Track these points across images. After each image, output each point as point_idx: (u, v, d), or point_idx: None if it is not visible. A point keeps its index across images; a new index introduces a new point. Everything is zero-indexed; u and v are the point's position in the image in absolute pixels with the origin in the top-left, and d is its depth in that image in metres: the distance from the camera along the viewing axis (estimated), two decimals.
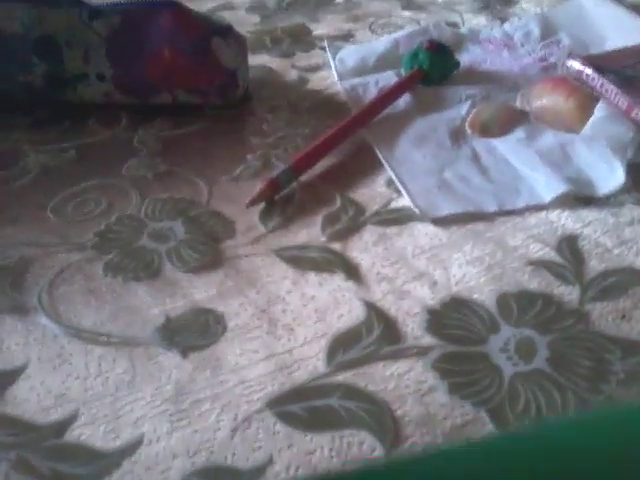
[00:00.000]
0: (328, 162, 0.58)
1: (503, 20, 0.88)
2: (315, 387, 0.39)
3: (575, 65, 0.63)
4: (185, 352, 0.41)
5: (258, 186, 0.53)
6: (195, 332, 0.42)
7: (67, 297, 0.45)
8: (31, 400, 0.39)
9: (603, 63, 0.62)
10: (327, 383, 0.39)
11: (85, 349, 0.42)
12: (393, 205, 0.53)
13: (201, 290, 0.46)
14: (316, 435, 0.36)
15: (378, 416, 0.37)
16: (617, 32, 0.75)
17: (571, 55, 0.67)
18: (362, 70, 0.73)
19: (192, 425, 0.37)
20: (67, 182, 0.57)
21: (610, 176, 0.54)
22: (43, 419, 0.37)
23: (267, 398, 0.38)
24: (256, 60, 0.76)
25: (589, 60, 0.62)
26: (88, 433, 0.36)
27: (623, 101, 0.57)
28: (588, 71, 0.61)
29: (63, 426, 0.37)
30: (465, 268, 0.47)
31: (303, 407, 0.37)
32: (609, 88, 0.59)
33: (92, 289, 0.46)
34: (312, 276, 0.46)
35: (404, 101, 0.67)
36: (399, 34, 0.80)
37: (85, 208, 0.54)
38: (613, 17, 0.78)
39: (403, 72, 0.71)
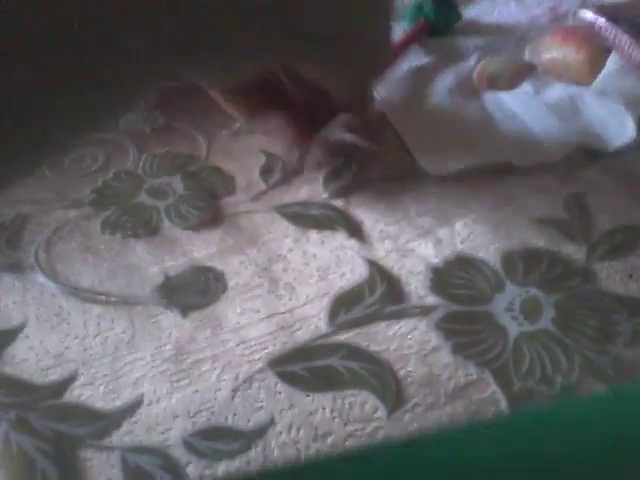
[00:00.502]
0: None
1: None
2: (317, 347, 0.38)
3: (587, 15, 0.60)
4: (185, 311, 0.40)
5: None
6: (195, 291, 0.42)
7: (64, 255, 0.45)
8: (30, 360, 0.38)
9: (617, 12, 0.59)
10: (329, 343, 0.38)
11: (83, 308, 0.41)
12: (398, 161, 0.52)
13: (201, 248, 0.45)
14: (318, 395, 0.36)
15: (380, 376, 0.36)
16: None
17: (583, 4, 0.64)
18: None
19: (192, 385, 0.36)
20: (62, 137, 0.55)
21: (621, 130, 0.52)
22: (42, 379, 0.37)
23: (268, 358, 0.37)
24: None
25: (602, 9, 0.60)
26: (88, 393, 0.36)
27: (637, 53, 0.55)
28: (601, 21, 0.59)
29: (62, 386, 0.37)
30: (470, 226, 0.46)
31: (304, 367, 0.37)
32: (623, 39, 0.56)
33: (90, 247, 0.45)
34: (314, 234, 0.45)
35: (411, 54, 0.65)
36: None
37: (82, 163, 0.53)
38: None
39: (406, 25, 0.68)
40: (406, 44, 0.65)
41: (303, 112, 0.27)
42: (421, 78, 0.61)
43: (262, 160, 0.52)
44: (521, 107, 0.56)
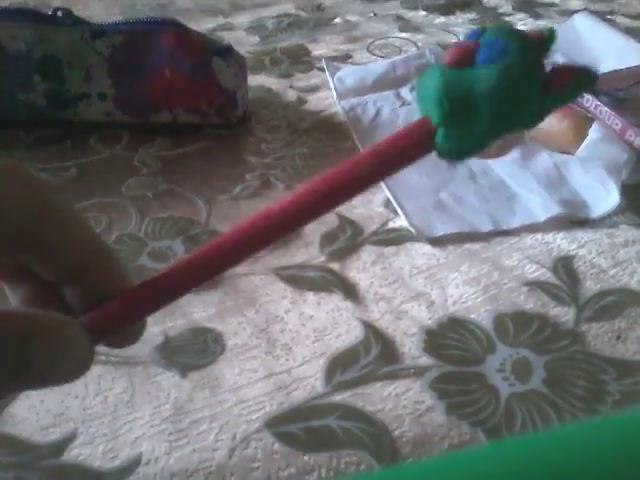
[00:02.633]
0: None
1: None
2: (313, 407, 0.39)
3: None
4: (184, 371, 0.41)
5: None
6: (194, 351, 0.43)
7: None
8: (30, 419, 0.39)
9: (597, 85, 0.62)
10: (325, 403, 0.39)
11: None
12: (390, 225, 0.54)
13: (200, 309, 0.46)
14: (314, 455, 0.36)
15: (376, 436, 0.37)
16: (611, 54, 0.76)
17: None
18: (360, 90, 0.74)
19: (190, 445, 0.37)
20: (68, 200, 0.57)
21: (605, 197, 0.55)
22: (42, 438, 0.37)
23: (265, 418, 0.38)
24: (255, 80, 0.77)
25: None
26: (87, 453, 0.37)
27: (617, 123, 0.58)
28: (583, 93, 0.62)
29: (62, 446, 0.37)
30: (462, 288, 0.47)
31: (301, 427, 0.38)
32: (603, 110, 0.59)
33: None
34: (310, 296, 0.47)
35: (400, 116, 0.67)
36: (396, 57, 0.81)
37: None
38: (607, 40, 0.79)
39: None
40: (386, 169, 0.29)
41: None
42: None
43: None
44: (508, 174, 0.59)
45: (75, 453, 0.37)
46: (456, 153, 0.25)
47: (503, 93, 0.24)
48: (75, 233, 0.22)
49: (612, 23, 0.93)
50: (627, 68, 0.68)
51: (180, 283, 0.23)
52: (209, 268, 0.23)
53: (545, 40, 0.26)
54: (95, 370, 0.42)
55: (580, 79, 0.26)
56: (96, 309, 0.22)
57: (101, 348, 0.42)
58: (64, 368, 0.19)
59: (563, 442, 0.24)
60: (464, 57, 0.25)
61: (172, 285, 0.23)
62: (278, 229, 0.25)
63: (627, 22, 0.96)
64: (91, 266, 0.22)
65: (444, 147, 0.25)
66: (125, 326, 0.24)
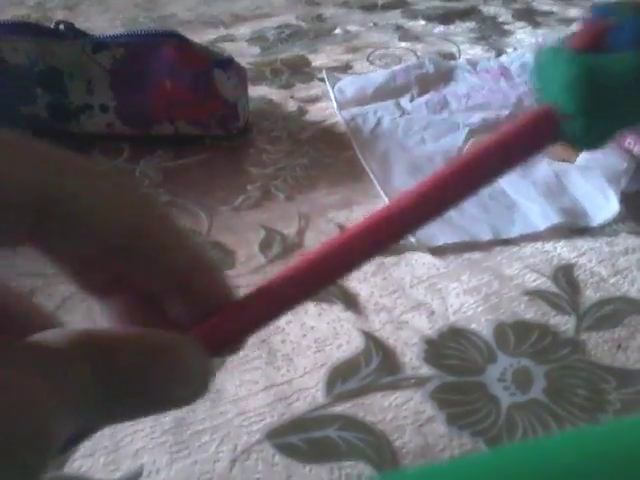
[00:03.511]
0: (327, 193, 0.59)
1: (499, 50, 0.89)
2: (314, 418, 0.39)
3: None
4: None
5: None
6: None
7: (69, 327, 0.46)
8: None
9: None
10: (326, 414, 0.39)
11: None
12: None
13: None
14: (315, 466, 0.36)
15: (377, 447, 0.37)
16: None
17: None
18: (361, 100, 0.75)
19: (192, 456, 0.37)
20: None
21: (605, 205, 0.55)
22: None
23: (266, 429, 0.38)
24: (256, 91, 0.77)
25: None
26: (88, 465, 0.37)
27: None
28: None
29: (63, 458, 0.37)
30: (462, 298, 0.47)
31: (302, 438, 0.38)
32: None
33: (94, 319, 0.47)
34: (311, 306, 0.47)
35: (400, 126, 0.68)
36: (396, 67, 0.81)
37: None
38: None
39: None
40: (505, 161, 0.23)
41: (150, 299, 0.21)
42: (411, 154, 0.64)
43: (261, 235, 0.54)
44: (509, 183, 0.59)
45: (77, 465, 0.37)
46: (591, 143, 0.25)
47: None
48: (177, 238, 0.20)
49: None
50: None
51: (296, 289, 0.21)
52: (324, 273, 0.21)
53: None
54: None
55: None
56: (206, 322, 0.20)
57: None
58: (184, 391, 0.18)
59: (563, 447, 0.24)
60: (596, 40, 0.23)
61: (287, 292, 0.21)
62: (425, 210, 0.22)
63: None
64: (197, 274, 0.20)
65: (579, 137, 0.24)
66: (241, 340, 0.21)
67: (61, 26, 0.65)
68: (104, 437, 0.38)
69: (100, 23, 1.05)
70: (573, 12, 1.06)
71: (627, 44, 0.23)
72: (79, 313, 0.47)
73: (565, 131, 0.24)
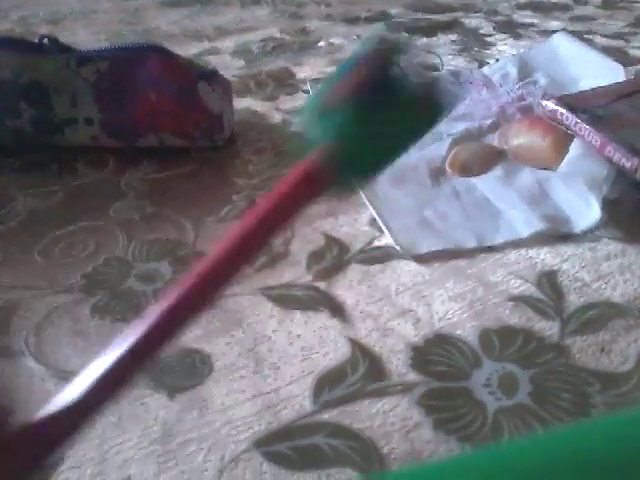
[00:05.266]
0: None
1: (481, 61, 0.91)
2: (301, 426, 0.39)
3: (550, 105, 0.65)
4: (172, 393, 0.41)
5: None
6: (182, 373, 0.43)
7: (54, 340, 0.46)
8: None
9: (576, 103, 0.64)
10: (313, 422, 0.39)
11: None
12: (376, 243, 0.54)
13: (187, 330, 0.46)
14: (303, 474, 0.36)
15: (364, 454, 0.37)
16: (589, 73, 0.78)
17: (545, 95, 0.69)
18: None
19: (179, 466, 0.37)
20: (54, 225, 0.58)
21: (587, 212, 0.56)
22: None
23: (254, 438, 0.38)
24: (241, 103, 0.78)
25: (563, 100, 0.65)
26: (75, 477, 0.36)
27: (596, 139, 0.59)
28: (562, 111, 0.63)
29: (50, 470, 0.37)
30: (447, 304, 0.47)
31: (290, 446, 0.38)
32: (582, 127, 0.61)
33: (79, 331, 0.46)
34: (297, 315, 0.47)
35: None
36: None
37: (72, 250, 0.55)
38: (585, 59, 0.81)
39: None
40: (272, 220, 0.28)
41: None
42: (395, 164, 0.64)
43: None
44: (492, 191, 0.60)
45: (63, 477, 0.36)
46: (362, 180, 0.29)
47: (398, 125, 0.27)
48: None
49: (590, 43, 0.95)
50: (604, 86, 0.69)
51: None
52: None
53: (394, 50, 0.28)
54: None
55: (440, 103, 0.29)
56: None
57: None
58: None
59: (547, 446, 0.25)
60: (359, 89, 0.26)
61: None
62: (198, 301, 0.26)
63: (604, 42, 0.98)
64: None
65: (350, 173, 0.27)
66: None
67: (45, 40, 0.65)
68: (91, 448, 0.38)
69: (84, 37, 1.05)
70: (553, 24, 1.07)
71: (389, 91, 0.26)
72: (63, 325, 0.47)
73: (340, 175, 0.27)
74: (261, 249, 0.26)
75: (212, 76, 0.67)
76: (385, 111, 0.26)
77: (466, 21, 1.10)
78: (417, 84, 0.27)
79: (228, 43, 1.02)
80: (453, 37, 1.02)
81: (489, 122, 0.71)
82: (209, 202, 0.60)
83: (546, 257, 0.52)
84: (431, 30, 1.05)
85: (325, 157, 0.26)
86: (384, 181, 0.62)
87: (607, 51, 0.90)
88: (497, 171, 0.63)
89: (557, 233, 0.54)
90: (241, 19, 1.15)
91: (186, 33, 1.08)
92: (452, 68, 0.89)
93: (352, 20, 1.12)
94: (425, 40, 1.01)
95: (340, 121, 0.26)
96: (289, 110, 0.78)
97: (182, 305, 0.24)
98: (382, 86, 0.26)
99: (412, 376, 0.42)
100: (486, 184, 0.61)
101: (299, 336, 0.45)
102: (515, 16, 1.13)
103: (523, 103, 0.75)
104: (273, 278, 0.51)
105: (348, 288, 0.49)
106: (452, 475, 0.24)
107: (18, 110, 0.64)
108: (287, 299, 0.48)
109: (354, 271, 0.51)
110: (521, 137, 0.66)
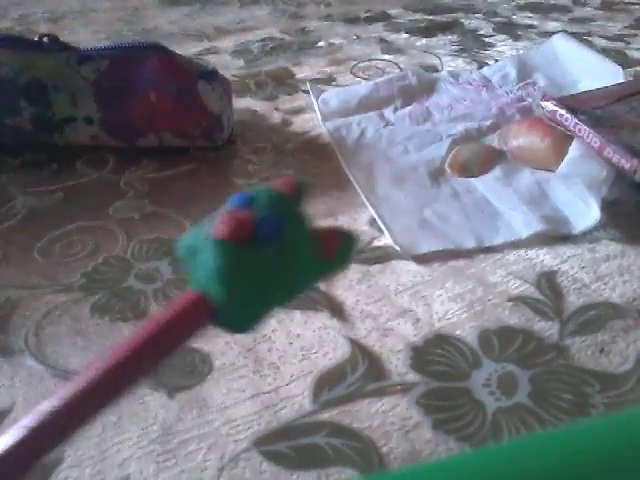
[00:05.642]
0: (312, 203, 0.59)
1: (480, 62, 0.91)
2: (301, 425, 0.39)
3: (549, 106, 0.65)
4: (171, 392, 0.41)
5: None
6: (181, 372, 0.43)
7: (54, 338, 0.46)
8: None
9: (575, 104, 0.64)
10: (313, 421, 0.39)
11: None
12: (375, 244, 0.54)
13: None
14: (302, 473, 0.36)
15: (364, 453, 0.37)
16: (588, 74, 0.78)
17: (545, 96, 0.69)
18: (345, 111, 0.75)
19: (179, 465, 0.37)
20: (54, 224, 0.58)
21: (586, 213, 0.56)
22: None
23: (253, 437, 0.38)
24: (241, 103, 0.78)
25: (562, 101, 0.65)
26: (74, 476, 0.36)
27: (595, 140, 0.59)
28: (561, 112, 0.63)
29: (49, 469, 0.37)
30: (447, 305, 0.48)
31: (289, 446, 0.38)
32: (581, 128, 0.61)
33: (79, 330, 0.46)
34: (297, 314, 0.47)
35: (383, 137, 0.68)
36: (380, 79, 0.82)
37: (72, 249, 0.55)
38: (585, 60, 0.81)
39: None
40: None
41: None
42: (395, 164, 0.65)
43: None
44: (491, 192, 0.60)
45: (62, 476, 0.36)
46: (241, 326, 0.27)
47: (284, 271, 0.27)
48: None
49: (589, 44, 0.95)
50: (604, 87, 0.69)
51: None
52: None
53: (299, 191, 0.30)
54: None
55: (347, 245, 0.30)
56: None
57: None
58: None
59: (547, 446, 0.25)
60: (243, 232, 0.26)
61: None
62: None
63: (603, 43, 0.98)
64: None
65: (227, 323, 0.26)
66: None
67: (45, 39, 0.65)
68: (90, 447, 0.38)
69: (84, 36, 1.05)
70: (552, 25, 1.08)
71: (269, 236, 0.26)
72: (63, 324, 0.47)
73: (218, 316, 0.26)
74: (133, 381, 0.25)
75: (212, 75, 0.67)
76: (256, 260, 0.26)
77: (466, 22, 1.10)
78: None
79: (228, 43, 1.02)
80: (453, 38, 1.02)
81: (488, 123, 0.72)
82: (208, 201, 0.60)
83: (545, 258, 0.52)
84: (431, 31, 1.05)
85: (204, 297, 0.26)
86: (384, 181, 0.62)
87: (606, 52, 0.90)
88: (496, 172, 0.63)
89: (556, 234, 0.54)
90: (240, 19, 1.15)
91: (186, 32, 1.08)
92: (451, 69, 0.89)
93: (352, 20, 1.12)
94: (425, 41, 1.01)
95: (209, 271, 0.26)
96: (288, 110, 0.78)
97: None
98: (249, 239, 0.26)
99: (411, 376, 0.42)
100: (486, 185, 0.61)
101: (299, 336, 0.45)
102: (515, 17, 1.13)
103: (522, 104, 0.76)
104: None
105: (348, 288, 0.49)
106: (452, 475, 0.24)
107: (18, 108, 0.64)
108: None
109: (354, 271, 0.51)
110: (520, 138, 0.66)
